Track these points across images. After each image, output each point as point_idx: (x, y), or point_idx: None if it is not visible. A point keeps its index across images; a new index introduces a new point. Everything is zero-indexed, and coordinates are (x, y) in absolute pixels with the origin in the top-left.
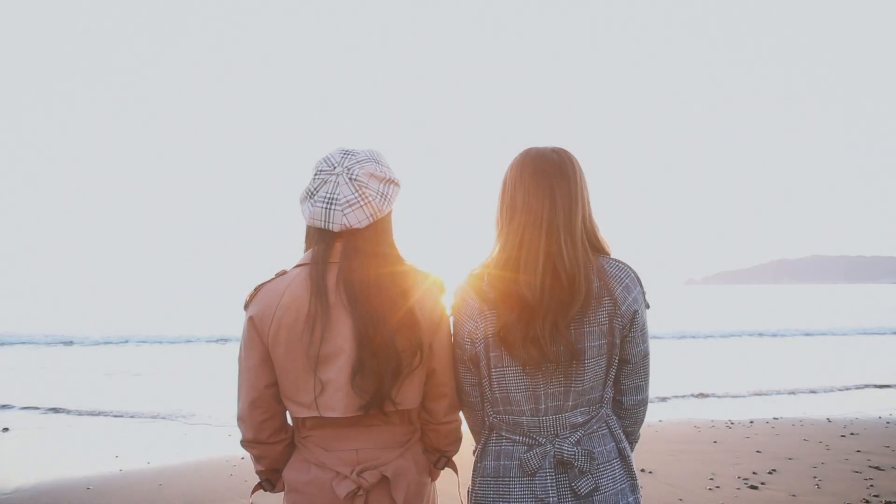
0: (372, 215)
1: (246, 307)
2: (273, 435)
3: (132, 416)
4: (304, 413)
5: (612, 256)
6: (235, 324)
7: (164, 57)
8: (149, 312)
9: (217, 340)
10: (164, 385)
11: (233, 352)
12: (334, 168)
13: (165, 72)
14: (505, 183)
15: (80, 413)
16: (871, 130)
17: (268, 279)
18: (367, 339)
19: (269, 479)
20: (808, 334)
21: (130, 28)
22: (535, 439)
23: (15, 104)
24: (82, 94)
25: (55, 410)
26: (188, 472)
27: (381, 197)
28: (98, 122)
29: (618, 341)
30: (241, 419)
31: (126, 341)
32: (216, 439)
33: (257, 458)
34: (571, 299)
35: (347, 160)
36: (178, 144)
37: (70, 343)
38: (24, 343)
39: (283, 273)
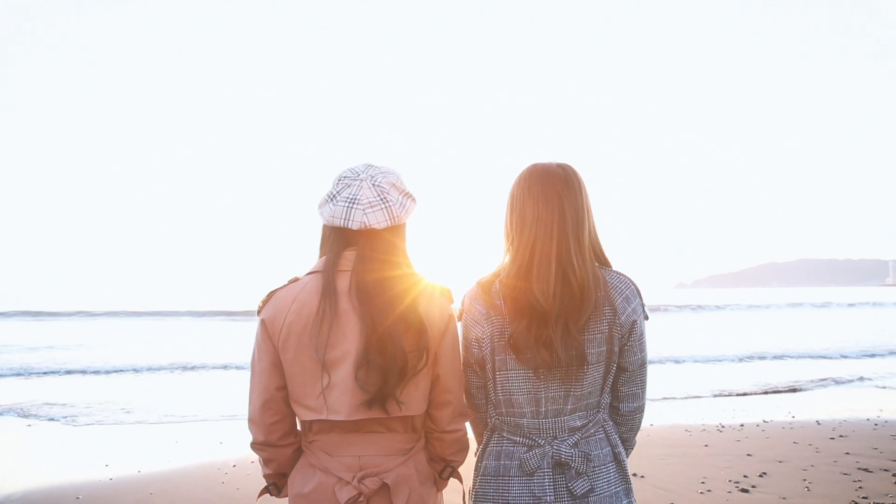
0: (391, 218)
1: (259, 312)
2: (283, 438)
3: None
4: (311, 416)
5: (613, 269)
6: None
7: (167, 58)
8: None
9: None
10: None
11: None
12: (358, 175)
13: (168, 72)
14: (513, 196)
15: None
16: (859, 134)
17: (281, 285)
18: (374, 338)
19: (276, 484)
20: (802, 357)
21: (131, 26)
22: (535, 440)
23: (14, 103)
24: (82, 93)
25: (47, 419)
26: (179, 479)
27: (401, 206)
28: (96, 123)
29: (616, 349)
30: (251, 421)
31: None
32: (208, 447)
33: (266, 462)
34: (582, 305)
35: (371, 170)
36: (174, 150)
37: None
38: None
39: (296, 280)
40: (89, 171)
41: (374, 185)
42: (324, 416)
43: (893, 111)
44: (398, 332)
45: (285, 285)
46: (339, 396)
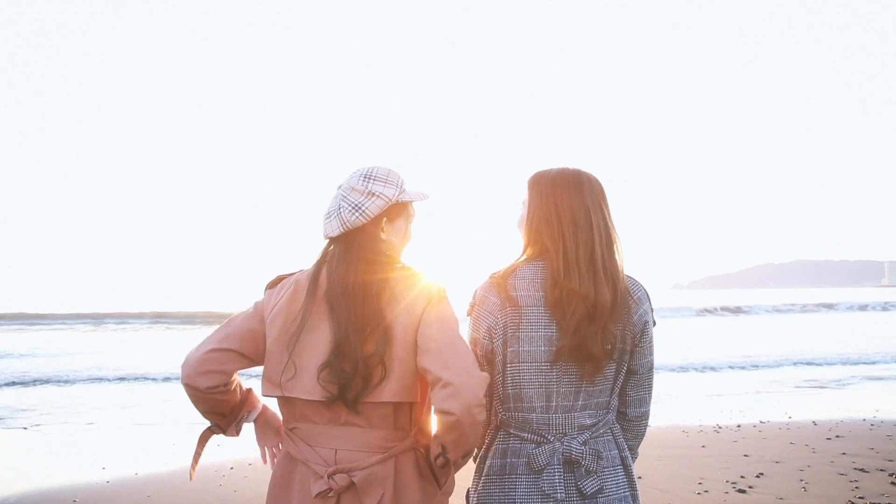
0: (342, 225)
1: (265, 289)
2: (210, 389)
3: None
4: (277, 392)
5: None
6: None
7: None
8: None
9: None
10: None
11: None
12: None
13: (167, 72)
14: (542, 197)
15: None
16: (856, 135)
17: (289, 272)
18: (340, 346)
19: (218, 424)
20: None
21: (132, 26)
22: (544, 437)
23: (14, 103)
24: (85, 94)
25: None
26: (176, 481)
27: (353, 209)
28: (98, 124)
29: (628, 349)
30: (188, 358)
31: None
32: (205, 448)
33: (194, 403)
34: (617, 302)
35: (347, 177)
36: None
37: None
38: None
39: (302, 271)
40: (85, 171)
41: (340, 195)
42: (288, 394)
43: (890, 113)
44: (359, 337)
45: (293, 272)
46: (309, 379)
